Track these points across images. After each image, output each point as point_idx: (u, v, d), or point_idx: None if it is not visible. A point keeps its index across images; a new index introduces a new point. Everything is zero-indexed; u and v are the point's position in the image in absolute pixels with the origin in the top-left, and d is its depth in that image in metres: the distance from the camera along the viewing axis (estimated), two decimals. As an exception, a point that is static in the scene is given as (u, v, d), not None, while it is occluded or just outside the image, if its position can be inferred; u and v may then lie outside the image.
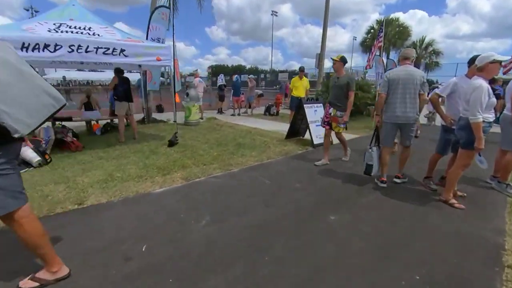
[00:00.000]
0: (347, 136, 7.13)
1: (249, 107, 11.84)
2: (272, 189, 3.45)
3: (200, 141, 5.97)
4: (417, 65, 24.83)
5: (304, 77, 7.19)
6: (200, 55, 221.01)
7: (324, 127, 4.64)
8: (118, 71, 5.89)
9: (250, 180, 3.74)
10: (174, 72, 5.53)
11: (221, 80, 11.09)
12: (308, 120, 5.62)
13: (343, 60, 4.26)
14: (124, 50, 4.73)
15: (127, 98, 5.83)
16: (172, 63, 5.50)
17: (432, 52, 28.05)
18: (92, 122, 7.04)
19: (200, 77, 10.14)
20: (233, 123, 8.82)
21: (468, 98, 2.69)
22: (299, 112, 5.91)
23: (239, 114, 11.10)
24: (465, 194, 3.24)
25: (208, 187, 3.47)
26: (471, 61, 3.04)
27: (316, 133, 5.70)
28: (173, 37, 5.42)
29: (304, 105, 5.66)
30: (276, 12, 36.02)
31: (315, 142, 5.59)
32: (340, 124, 4.39)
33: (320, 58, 16.30)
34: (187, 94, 8.38)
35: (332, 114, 4.43)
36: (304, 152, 5.35)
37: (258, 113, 11.66)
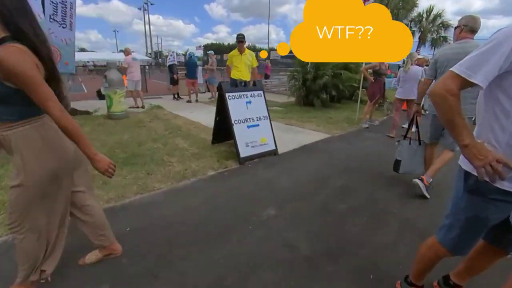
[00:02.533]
0: (313, 135, 4.93)
1: (209, 90, 9.70)
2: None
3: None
4: (422, 41, 21.79)
5: (247, 51, 4.91)
6: (199, 34, 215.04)
7: None
8: None
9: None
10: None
11: (172, 58, 8.76)
12: (232, 119, 3.48)
13: None
14: None
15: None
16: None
17: (441, 25, 24.40)
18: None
19: (134, 56, 7.80)
20: (174, 115, 6.75)
21: None
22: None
23: (196, 101, 8.94)
24: None
25: None
26: None
27: (247, 139, 3.57)
28: None
29: (226, 94, 3.49)
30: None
31: (242, 155, 3.47)
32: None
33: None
34: (105, 78, 6.23)
35: None
36: (218, 174, 3.24)
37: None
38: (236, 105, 3.52)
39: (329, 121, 5.94)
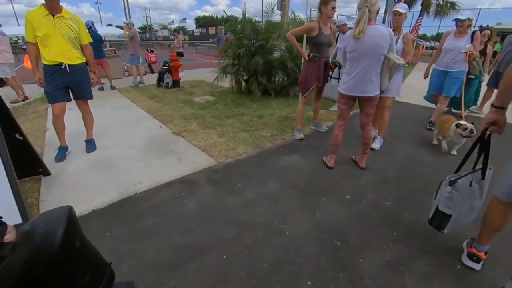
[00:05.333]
0: (185, 163, 2.62)
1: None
2: None
3: None
4: (425, 9, 18.10)
5: (66, 12, 2.43)
6: (197, 7, 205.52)
7: None
8: None
9: None
10: None
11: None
12: None
13: None
14: None
15: None
16: None
17: None
18: None
19: (2, 30, 5.38)
20: (46, 112, 4.61)
21: None
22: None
23: (113, 87, 6.68)
24: None
25: None
26: None
27: None
28: None
29: None
30: None
31: None
32: None
33: (284, -5, 10.38)
34: None
35: None
36: None
37: (151, 83, 7.15)
38: None
39: (251, 125, 3.67)
